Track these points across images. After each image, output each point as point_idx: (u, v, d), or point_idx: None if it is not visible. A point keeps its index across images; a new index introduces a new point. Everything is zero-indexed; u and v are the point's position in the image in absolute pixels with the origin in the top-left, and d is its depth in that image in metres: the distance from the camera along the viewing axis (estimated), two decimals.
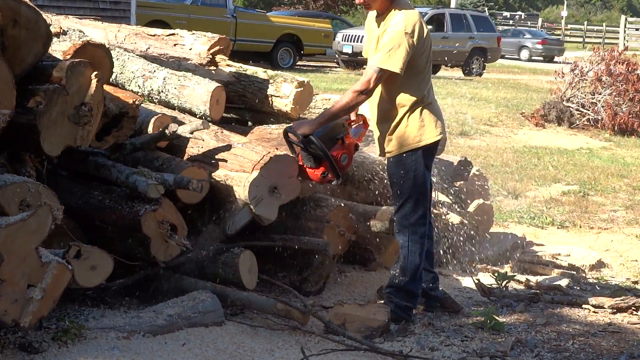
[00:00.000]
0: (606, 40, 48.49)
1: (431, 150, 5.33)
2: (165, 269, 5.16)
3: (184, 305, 4.85)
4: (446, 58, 28.01)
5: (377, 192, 6.56)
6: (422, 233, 5.34)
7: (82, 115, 4.71)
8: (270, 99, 6.38)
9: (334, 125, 5.22)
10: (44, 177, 4.83)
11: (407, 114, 5.21)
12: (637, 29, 47.47)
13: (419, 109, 5.21)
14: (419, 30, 5.07)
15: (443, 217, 6.84)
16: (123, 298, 5.16)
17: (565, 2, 70.05)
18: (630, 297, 6.08)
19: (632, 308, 5.86)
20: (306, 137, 5.13)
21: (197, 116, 5.97)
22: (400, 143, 5.24)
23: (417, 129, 5.21)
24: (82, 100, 4.72)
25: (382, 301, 5.52)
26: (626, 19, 48.39)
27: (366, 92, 5.07)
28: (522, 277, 6.66)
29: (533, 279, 6.61)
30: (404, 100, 5.19)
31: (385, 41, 5.06)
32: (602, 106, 16.21)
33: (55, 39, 5.40)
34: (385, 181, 6.70)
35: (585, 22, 60.04)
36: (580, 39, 53.33)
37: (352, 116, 5.47)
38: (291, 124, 5.35)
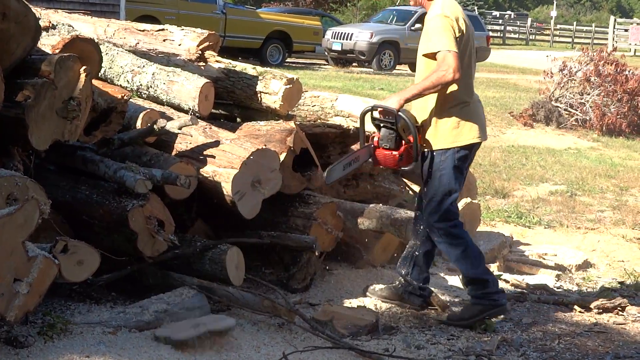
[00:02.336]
0: (595, 41, 48.63)
1: (464, 152, 5.27)
2: (152, 265, 5.16)
3: (170, 301, 4.84)
4: None
5: (364, 190, 6.57)
6: (453, 225, 5.32)
7: (70, 109, 4.70)
8: (259, 95, 6.37)
9: (410, 113, 5.22)
10: (31, 171, 4.81)
11: (443, 112, 5.18)
12: (626, 30, 47.57)
13: (457, 108, 5.18)
14: (456, 16, 5.07)
15: None
16: (109, 293, 5.15)
17: (555, 2, 70.29)
18: (616, 298, 6.11)
19: (618, 308, 5.89)
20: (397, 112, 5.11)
21: (186, 112, 5.97)
22: (433, 140, 5.22)
23: (450, 129, 5.18)
24: (71, 94, 4.71)
25: (370, 297, 5.56)
26: (615, 20, 48.55)
27: (449, 74, 4.94)
28: (509, 277, 6.67)
29: (520, 278, 6.63)
30: (442, 97, 5.15)
31: (429, 28, 5.08)
32: (591, 106, 16.26)
33: (44, 33, 5.39)
34: (375, 181, 6.73)
35: (575, 23, 60.13)
36: (570, 39, 53.46)
37: None
38: (373, 104, 5.34)
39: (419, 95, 5.10)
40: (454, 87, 5.12)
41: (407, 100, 5.12)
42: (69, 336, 4.39)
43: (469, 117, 5.22)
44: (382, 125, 5.24)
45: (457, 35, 5.03)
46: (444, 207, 5.28)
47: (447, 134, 5.19)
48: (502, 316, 5.47)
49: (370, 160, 5.37)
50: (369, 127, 5.36)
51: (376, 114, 5.25)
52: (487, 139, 5.42)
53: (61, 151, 5.15)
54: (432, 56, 5.07)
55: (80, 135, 5.04)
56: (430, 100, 5.18)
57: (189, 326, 4.58)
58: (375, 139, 5.29)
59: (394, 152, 5.22)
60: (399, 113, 5.10)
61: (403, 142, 5.22)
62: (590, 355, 5.00)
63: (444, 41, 4.99)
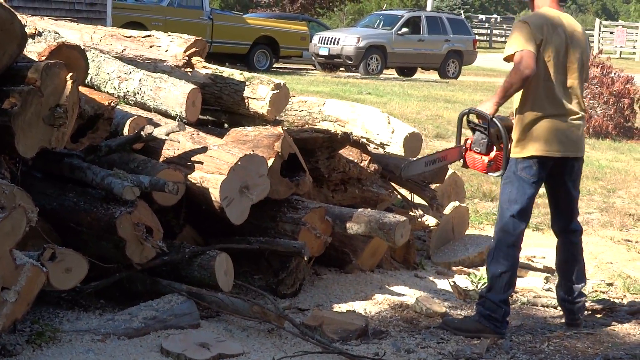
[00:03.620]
0: None
1: (527, 163, 5.20)
2: (140, 271, 5.14)
3: (159, 307, 4.84)
4: (423, 61, 28.11)
5: (353, 195, 6.57)
6: (508, 243, 5.28)
7: (57, 116, 4.69)
8: (246, 100, 6.35)
9: (508, 121, 5.29)
10: (18, 179, 4.80)
11: (521, 122, 5.20)
12: (611, 33, 47.75)
13: (534, 120, 5.16)
14: (538, 24, 5.13)
15: (419, 219, 6.86)
16: (98, 300, 5.14)
17: None
18: (605, 299, 6.12)
19: (607, 310, 5.90)
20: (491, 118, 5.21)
21: (173, 118, 5.96)
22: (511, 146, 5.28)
23: (517, 140, 5.19)
24: (57, 101, 4.70)
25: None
26: (601, 23, 48.72)
27: (519, 71, 5.02)
28: None
29: None
30: (522, 105, 5.20)
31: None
32: None
33: (30, 40, 5.37)
34: (363, 186, 6.72)
35: None
36: None
37: None
38: (469, 108, 5.46)
39: (504, 97, 5.15)
40: (535, 98, 5.15)
41: (498, 105, 5.17)
42: (58, 344, 4.38)
43: (542, 130, 5.17)
44: (476, 128, 5.35)
45: (537, 42, 5.08)
46: (505, 218, 5.27)
47: (514, 144, 5.21)
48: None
49: (460, 161, 5.50)
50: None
51: (472, 117, 5.36)
52: (562, 154, 5.25)
53: (48, 158, 5.13)
54: (511, 58, 5.14)
55: (67, 142, 5.02)
56: (515, 108, 5.25)
57: (192, 342, 4.58)
58: (469, 141, 5.40)
59: (484, 157, 5.31)
60: (493, 119, 5.19)
61: (494, 148, 5.28)
62: (580, 357, 5.01)
63: (517, 42, 5.08)
